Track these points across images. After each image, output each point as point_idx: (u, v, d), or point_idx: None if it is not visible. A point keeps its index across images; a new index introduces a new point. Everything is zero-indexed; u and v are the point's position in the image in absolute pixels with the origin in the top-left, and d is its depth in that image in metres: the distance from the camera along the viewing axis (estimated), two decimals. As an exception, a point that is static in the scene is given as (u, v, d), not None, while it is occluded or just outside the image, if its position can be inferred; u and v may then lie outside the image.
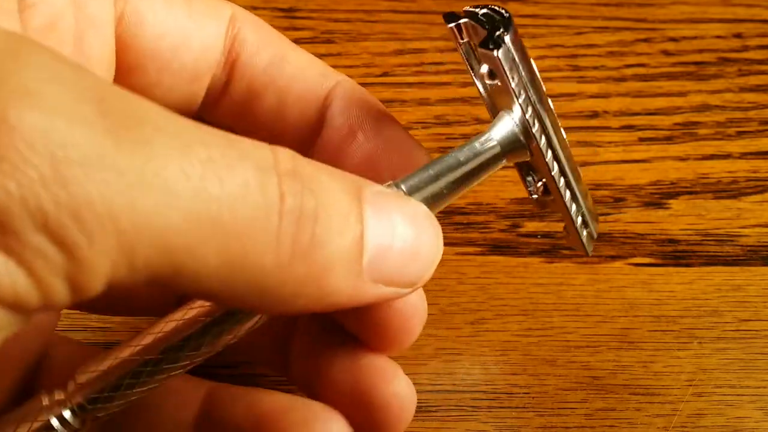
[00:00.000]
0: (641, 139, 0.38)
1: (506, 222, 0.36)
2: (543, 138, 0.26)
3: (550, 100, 0.26)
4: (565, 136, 0.27)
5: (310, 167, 0.21)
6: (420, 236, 0.23)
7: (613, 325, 0.33)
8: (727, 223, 0.36)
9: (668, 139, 0.38)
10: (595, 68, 0.41)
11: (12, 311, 0.18)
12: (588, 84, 0.40)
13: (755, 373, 0.32)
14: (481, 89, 0.27)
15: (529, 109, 0.25)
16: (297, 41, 0.29)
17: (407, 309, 0.27)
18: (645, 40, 0.42)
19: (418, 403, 0.31)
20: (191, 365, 0.24)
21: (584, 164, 0.37)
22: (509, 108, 0.26)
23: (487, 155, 0.25)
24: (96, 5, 0.26)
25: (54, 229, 0.17)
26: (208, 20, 0.28)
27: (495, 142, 0.25)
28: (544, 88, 0.26)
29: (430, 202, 0.24)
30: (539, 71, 0.26)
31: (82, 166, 0.17)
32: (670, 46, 0.41)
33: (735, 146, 0.38)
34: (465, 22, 0.26)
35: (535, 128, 0.25)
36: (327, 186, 0.21)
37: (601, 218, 0.36)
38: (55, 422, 0.23)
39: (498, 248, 0.35)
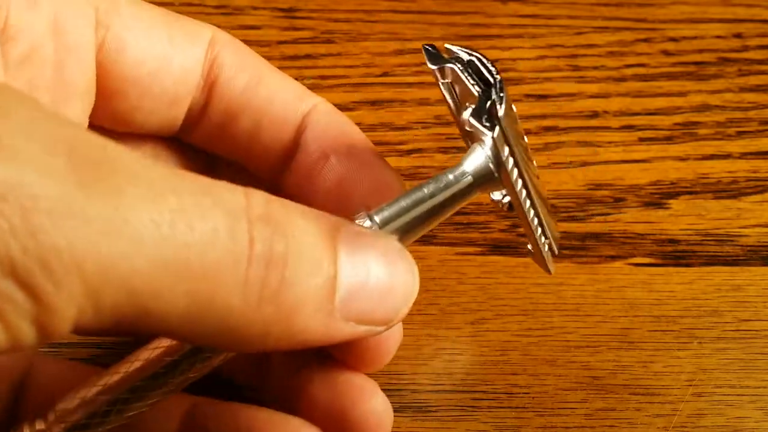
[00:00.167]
0: (641, 139, 0.38)
1: (506, 222, 0.36)
2: (516, 174, 0.26)
3: (525, 136, 0.26)
4: (535, 164, 0.27)
5: (283, 210, 0.21)
6: (394, 274, 0.23)
7: (613, 325, 0.33)
8: (727, 223, 0.36)
9: (668, 139, 0.38)
10: (595, 68, 0.41)
11: None
12: (588, 84, 0.40)
13: (755, 373, 0.32)
14: (455, 118, 0.27)
15: (507, 155, 0.25)
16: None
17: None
18: (645, 40, 0.42)
19: (418, 403, 0.31)
20: (162, 401, 0.25)
21: (584, 164, 0.37)
22: (482, 141, 0.26)
23: (460, 186, 0.26)
24: (76, 33, 0.26)
25: (22, 276, 0.18)
26: (187, 44, 0.28)
27: (468, 174, 0.26)
28: (520, 123, 0.26)
29: (403, 233, 0.25)
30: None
31: (50, 215, 0.18)
32: (670, 46, 0.41)
33: (735, 146, 0.38)
34: (450, 68, 0.26)
35: (509, 167, 0.26)
36: (300, 228, 0.21)
37: (601, 218, 0.36)
38: None
39: (498, 248, 0.35)
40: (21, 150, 0.18)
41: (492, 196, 0.29)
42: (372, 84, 0.40)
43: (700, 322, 0.33)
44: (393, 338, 0.28)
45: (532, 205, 0.27)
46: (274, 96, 0.29)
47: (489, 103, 0.24)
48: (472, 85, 0.25)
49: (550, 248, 0.29)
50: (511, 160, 0.25)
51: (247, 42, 0.30)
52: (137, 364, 0.24)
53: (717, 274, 0.34)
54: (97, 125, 0.28)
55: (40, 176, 0.18)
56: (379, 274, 0.23)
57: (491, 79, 0.25)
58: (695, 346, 0.33)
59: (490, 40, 0.41)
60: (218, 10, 0.42)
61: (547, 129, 0.38)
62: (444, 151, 0.38)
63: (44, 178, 0.18)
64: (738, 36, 0.42)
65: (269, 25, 0.41)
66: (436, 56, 0.26)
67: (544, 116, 0.39)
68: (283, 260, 0.21)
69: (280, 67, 0.30)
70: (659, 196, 0.37)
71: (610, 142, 0.38)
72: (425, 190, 0.25)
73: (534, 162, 0.27)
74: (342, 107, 0.39)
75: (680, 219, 0.36)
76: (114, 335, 0.29)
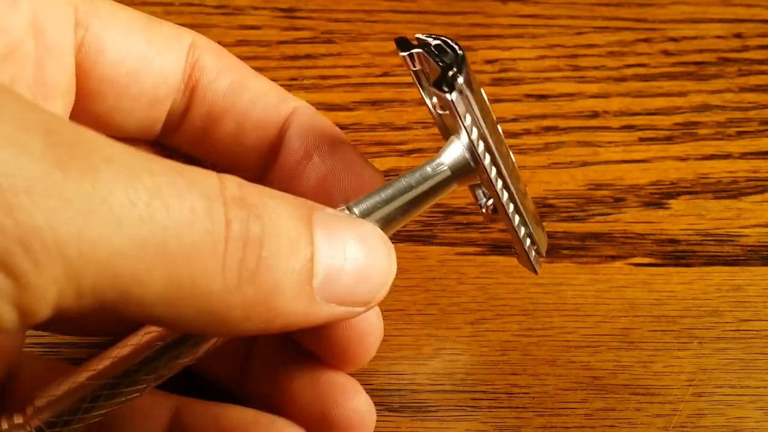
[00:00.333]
0: (641, 139, 0.38)
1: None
2: (491, 163, 0.26)
3: (500, 127, 0.27)
4: (514, 160, 0.27)
5: (256, 193, 0.21)
6: (372, 256, 0.23)
7: (613, 325, 0.33)
8: (727, 223, 0.36)
9: (668, 139, 0.38)
10: (595, 68, 0.41)
11: None
12: (588, 84, 0.40)
13: (755, 373, 0.32)
14: (433, 113, 0.27)
15: (477, 138, 0.26)
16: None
17: (363, 326, 0.27)
18: (645, 40, 0.42)
19: (418, 403, 0.31)
20: (149, 388, 0.25)
21: (584, 164, 0.37)
22: (458, 133, 0.26)
23: (438, 179, 0.26)
24: (56, 33, 0.26)
25: (1, 256, 0.17)
26: (167, 47, 0.28)
27: (445, 166, 0.26)
28: (495, 116, 0.26)
29: (383, 225, 0.25)
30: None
31: (29, 194, 0.17)
32: (670, 46, 0.41)
33: (735, 146, 0.38)
34: (418, 53, 0.26)
35: (483, 155, 0.26)
36: (274, 211, 0.21)
37: (601, 218, 0.36)
38: None
39: (498, 248, 0.35)
40: None
41: (479, 200, 0.29)
42: (372, 84, 0.40)
43: (700, 322, 0.33)
44: (374, 335, 0.28)
45: (512, 200, 0.27)
46: (256, 99, 0.29)
47: (448, 70, 0.25)
48: (438, 63, 0.25)
49: (533, 242, 0.29)
50: (482, 144, 0.26)
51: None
52: (128, 349, 0.24)
53: (717, 274, 0.34)
54: None
55: (17, 155, 0.17)
56: (356, 255, 0.23)
57: (454, 55, 0.25)
58: (695, 346, 0.33)
59: (490, 40, 0.41)
60: (218, 10, 0.42)
61: (547, 129, 0.38)
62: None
63: (22, 156, 0.18)
64: (738, 36, 0.42)
65: (269, 25, 0.41)
66: (406, 44, 0.27)
67: (544, 116, 0.39)
68: (260, 241, 0.21)
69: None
70: (659, 196, 0.37)
71: (610, 142, 0.38)
72: (404, 182, 0.26)
73: (512, 155, 0.27)
74: (342, 107, 0.39)
75: (680, 219, 0.36)
76: (94, 323, 0.29)
